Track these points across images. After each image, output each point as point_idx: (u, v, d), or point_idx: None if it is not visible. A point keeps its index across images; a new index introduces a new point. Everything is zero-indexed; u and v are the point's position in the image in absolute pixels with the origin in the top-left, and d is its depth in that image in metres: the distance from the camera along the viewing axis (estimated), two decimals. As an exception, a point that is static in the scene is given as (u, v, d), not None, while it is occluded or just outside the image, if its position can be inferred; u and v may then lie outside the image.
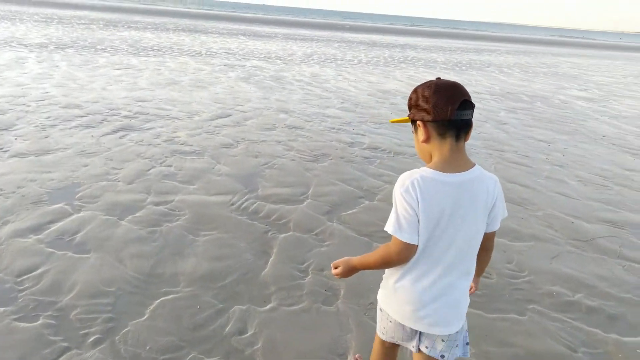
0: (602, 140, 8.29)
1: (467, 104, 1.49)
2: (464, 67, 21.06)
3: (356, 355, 2.51)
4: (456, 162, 1.52)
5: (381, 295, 1.76)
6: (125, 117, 7.31)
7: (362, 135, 7.43)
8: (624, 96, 14.79)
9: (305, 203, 4.58)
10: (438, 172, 1.51)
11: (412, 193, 1.48)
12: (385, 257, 1.57)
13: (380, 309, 1.77)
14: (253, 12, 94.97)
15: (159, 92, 9.61)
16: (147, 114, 7.65)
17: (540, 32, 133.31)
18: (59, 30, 23.59)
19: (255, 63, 16.47)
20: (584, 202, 5.17)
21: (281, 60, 18.29)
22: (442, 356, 1.68)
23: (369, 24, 78.11)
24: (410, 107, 1.59)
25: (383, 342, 1.90)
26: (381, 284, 1.77)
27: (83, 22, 31.80)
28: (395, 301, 1.66)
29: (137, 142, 6.07)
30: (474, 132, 7.80)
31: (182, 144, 6.14)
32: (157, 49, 18.36)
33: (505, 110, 10.66)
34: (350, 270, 1.73)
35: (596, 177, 6.06)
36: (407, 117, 1.63)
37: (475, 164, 1.56)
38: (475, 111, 9.94)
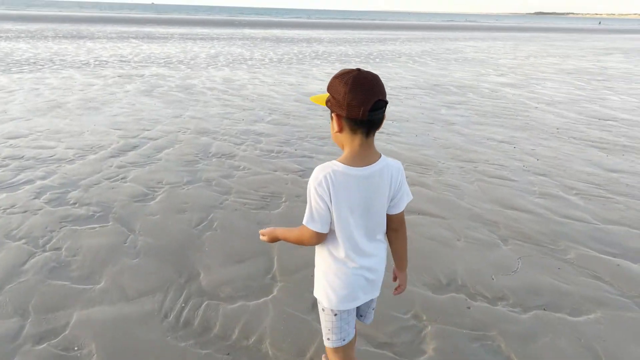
0: (559, 133, 7.68)
1: (380, 103, 1.54)
2: (377, 59, 20.42)
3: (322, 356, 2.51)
4: (365, 156, 1.65)
5: (320, 293, 1.85)
6: (-12, 166, 5.34)
7: (310, 157, 6.10)
8: (541, 79, 14.82)
9: (275, 291, 3.16)
10: (348, 166, 1.63)
11: (325, 186, 1.61)
12: (300, 238, 1.75)
13: (322, 310, 1.87)
14: (142, 13, 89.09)
15: (38, 122, 7.53)
16: (22, 157, 5.71)
17: (426, 17, 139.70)
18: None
19: (156, 71, 14.41)
20: (605, 227, 4.28)
21: (184, 64, 16.33)
22: (362, 315, 2.01)
23: (266, 19, 76.44)
24: (328, 92, 1.62)
25: (338, 350, 1.93)
26: (315, 283, 1.87)
27: (-63, 34, 26.98)
28: (332, 289, 1.79)
29: (4, 210, 4.24)
30: (434, 141, 6.80)
31: (75, 204, 4.41)
32: (34, 62, 15.57)
33: (444, 106, 9.86)
34: (273, 238, 1.89)
35: (590, 187, 5.26)
36: (325, 103, 1.65)
37: (381, 155, 1.68)
38: (417, 110, 9.07)
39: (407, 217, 3.76)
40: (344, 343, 1.90)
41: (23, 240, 3.67)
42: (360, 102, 1.52)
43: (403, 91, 11.65)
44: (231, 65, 16.71)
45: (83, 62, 15.99)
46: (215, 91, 11.02)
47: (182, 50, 21.99)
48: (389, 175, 1.69)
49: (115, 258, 3.45)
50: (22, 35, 29.10)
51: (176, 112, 8.61)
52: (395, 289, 2.02)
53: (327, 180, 1.60)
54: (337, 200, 1.63)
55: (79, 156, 5.83)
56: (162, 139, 6.71)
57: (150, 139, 6.73)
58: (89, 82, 11.84)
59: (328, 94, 1.64)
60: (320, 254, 1.82)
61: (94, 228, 3.92)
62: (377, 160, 1.67)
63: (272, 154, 6.18)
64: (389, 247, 1.93)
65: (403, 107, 9.65)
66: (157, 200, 4.57)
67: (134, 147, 6.28)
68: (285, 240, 1.85)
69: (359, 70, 1.56)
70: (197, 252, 3.58)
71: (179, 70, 14.82)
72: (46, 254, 3.48)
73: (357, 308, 1.94)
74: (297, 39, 34.50)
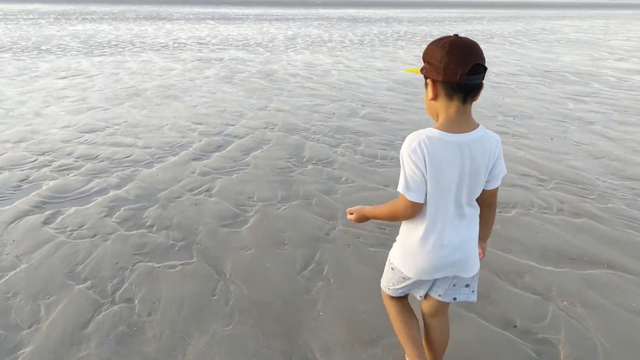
0: None
1: (478, 68, 1.47)
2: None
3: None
4: (461, 123, 1.55)
5: (396, 256, 1.80)
6: (60, 169, 4.72)
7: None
8: (672, 64, 12.56)
9: None
10: (443, 132, 1.54)
11: (419, 153, 1.52)
12: (393, 211, 1.67)
13: (393, 269, 1.82)
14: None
15: (116, 112, 6.94)
16: (96, 158, 5.05)
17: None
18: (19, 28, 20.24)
19: (235, 54, 13.71)
20: None
21: (263, 47, 15.54)
22: (455, 299, 1.80)
23: (342, -2, 74.64)
24: (424, 60, 1.57)
25: (394, 298, 1.95)
26: (395, 245, 1.83)
27: (31, 17, 28.22)
28: (414, 260, 1.71)
29: (72, 232, 3.50)
30: (577, 147, 5.42)
31: (152, 227, 3.60)
32: (115, 45, 15.42)
33: (569, 99, 8.28)
34: (362, 218, 1.82)
35: None
36: (420, 71, 1.60)
37: (479, 125, 1.59)
38: (538, 104, 7.59)
39: (589, 271, 2.99)
40: (402, 294, 1.91)
41: (89, 283, 2.88)
42: (457, 65, 1.45)
43: (511, 79, 10.10)
44: (311, 47, 15.72)
45: (162, 45, 15.65)
46: (299, 78, 10.07)
47: (259, 31, 21.30)
48: (488, 146, 1.59)
49: (202, 322, 2.56)
50: (106, 17, 29.81)
51: (260, 102, 7.74)
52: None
53: (422, 146, 1.53)
54: (432, 167, 1.54)
55: (158, 158, 5.07)
56: (248, 137, 5.84)
57: (235, 136, 5.88)
58: (168, 66, 11.31)
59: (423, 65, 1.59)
60: (407, 224, 1.73)
61: (175, 267, 3.07)
62: (476, 128, 1.58)
63: (377, 161, 5.12)
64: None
65: (518, 98, 8.20)
66: (249, 224, 3.66)
67: (218, 147, 5.45)
68: (376, 217, 1.78)
69: (456, 35, 1.51)
70: (309, 318, 2.61)
71: (257, 53, 14.05)
72: (115, 308, 2.65)
73: (433, 284, 1.81)
74: (374, 18, 32.92)
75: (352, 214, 1.85)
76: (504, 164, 1.68)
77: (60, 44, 15.17)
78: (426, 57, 1.55)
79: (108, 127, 6.20)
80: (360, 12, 41.62)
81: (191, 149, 5.37)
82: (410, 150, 1.54)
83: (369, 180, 4.59)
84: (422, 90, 1.65)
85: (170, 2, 57.32)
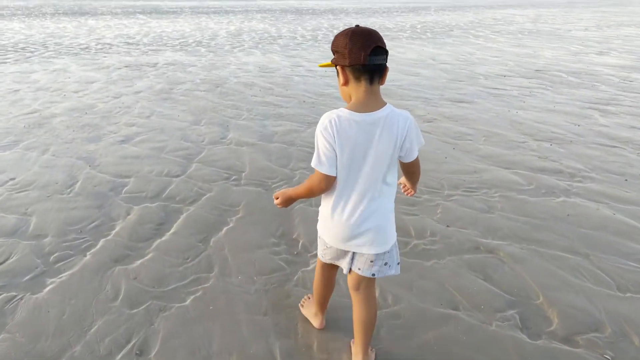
0: None
1: (379, 50, 1.64)
2: (428, 34, 17.21)
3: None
4: (370, 103, 1.70)
5: (319, 225, 1.97)
6: None
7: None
8: (656, 57, 11.65)
9: None
10: (352, 112, 1.69)
11: (330, 130, 1.68)
12: (310, 186, 1.81)
13: (319, 237, 2.00)
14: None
15: (1, 161, 4.74)
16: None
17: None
18: None
19: (171, 57, 11.47)
20: None
21: (205, 47, 13.35)
22: (373, 274, 1.93)
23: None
24: (333, 52, 1.74)
25: (323, 264, 2.14)
26: (318, 217, 1.96)
27: None
28: (327, 228, 1.89)
29: None
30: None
31: None
32: (23, 48, 12.69)
33: (590, 108, 6.90)
34: (287, 200, 1.93)
35: None
36: (331, 62, 1.76)
37: (387, 104, 1.72)
38: (562, 119, 6.11)
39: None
40: (330, 261, 2.04)
41: None
42: (360, 48, 1.62)
43: (506, 83, 8.63)
44: (260, 46, 13.69)
45: (82, 47, 13.09)
46: (256, 89, 8.10)
47: (197, 27, 18.92)
48: (396, 123, 1.70)
49: None
50: (18, 12, 26.16)
51: (213, 131, 5.75)
52: (405, 190, 2.15)
53: (332, 124, 1.68)
54: (341, 144, 1.69)
55: (52, 264, 3.04)
56: (204, 202, 3.90)
57: (182, 201, 3.91)
58: (87, 77, 8.96)
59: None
60: (325, 197, 1.87)
61: None
62: (382, 107, 1.71)
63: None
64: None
65: (533, 111, 6.69)
66: None
67: (156, 229, 3.46)
68: (298, 196, 1.90)
69: (357, 25, 1.70)
70: None
71: (199, 55, 11.87)
72: None
73: (353, 258, 1.94)
74: (319, 10, 31.09)
75: (277, 198, 1.94)
76: (420, 134, 1.78)
77: (-50, 49, 12.26)
78: (334, 47, 1.72)
79: (-16, 191, 4.03)
80: (303, 4, 39.63)
81: (105, 241, 3.35)
82: (322, 128, 1.69)
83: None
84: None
85: (94, -6, 52.66)
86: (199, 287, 2.82)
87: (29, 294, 2.74)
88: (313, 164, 1.76)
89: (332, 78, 9.08)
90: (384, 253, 1.89)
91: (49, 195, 3.96)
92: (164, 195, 4.01)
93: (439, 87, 8.25)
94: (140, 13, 26.25)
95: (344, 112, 1.70)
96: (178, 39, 15.16)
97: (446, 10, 32.01)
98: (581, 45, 13.78)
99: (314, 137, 1.77)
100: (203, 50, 12.77)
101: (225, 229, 3.47)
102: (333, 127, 1.67)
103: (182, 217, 3.64)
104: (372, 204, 1.79)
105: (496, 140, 5.47)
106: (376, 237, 1.83)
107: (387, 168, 1.77)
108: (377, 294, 2.68)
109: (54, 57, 11.32)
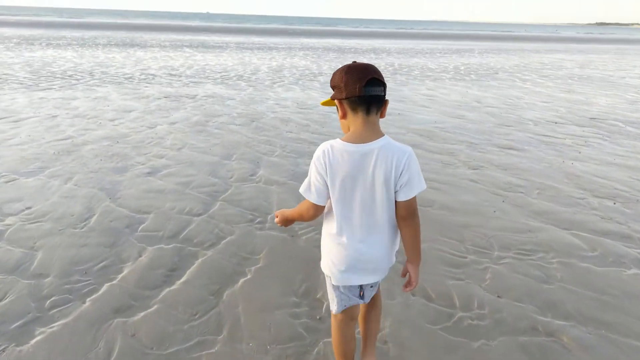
0: None
1: (375, 81, 1.67)
2: (472, 76, 16.81)
3: None
4: (365, 134, 1.69)
5: (322, 263, 1.91)
6: None
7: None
8: None
9: None
10: (346, 142, 1.69)
11: (322, 160, 1.70)
12: (300, 212, 1.85)
13: (327, 277, 1.92)
14: (198, 21, 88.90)
15: (21, 188, 4.58)
16: None
17: (478, 27, 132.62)
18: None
19: (211, 89, 11.48)
20: None
21: (245, 81, 13.37)
22: (371, 295, 1.98)
23: (320, 28, 73.82)
24: (332, 88, 1.76)
25: (340, 319, 1.99)
26: (321, 263, 1.93)
27: (-13, 40, 25.63)
28: (330, 261, 1.84)
29: None
30: None
31: None
32: (70, 75, 13.04)
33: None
34: (285, 220, 1.95)
35: None
36: (330, 99, 1.79)
37: (384, 135, 1.72)
38: (630, 176, 5.51)
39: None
40: (344, 308, 1.94)
41: None
42: (355, 81, 1.65)
43: (558, 130, 8.07)
44: (300, 82, 13.61)
45: (126, 76, 13.34)
46: (292, 125, 7.85)
47: (240, 61, 19.20)
48: (391, 156, 1.67)
49: None
50: (74, 42, 27.47)
51: (243, 168, 5.46)
52: (405, 285, 1.93)
53: (325, 154, 1.69)
54: (332, 175, 1.69)
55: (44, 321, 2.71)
56: (222, 247, 3.53)
57: (200, 244, 3.56)
58: (125, 106, 8.97)
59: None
60: (324, 229, 1.87)
61: None
62: (378, 138, 1.69)
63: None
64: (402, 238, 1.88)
65: (590, 163, 6.10)
66: None
67: (163, 281, 3.11)
68: (292, 218, 1.92)
69: (354, 61, 1.73)
70: None
71: (239, 89, 11.84)
72: None
73: (360, 286, 1.91)
74: (361, 49, 31.31)
75: (277, 217, 1.97)
76: (422, 179, 1.72)
77: (3, 74, 12.72)
78: (332, 82, 1.75)
79: (-3, 219, 3.82)
80: (345, 42, 40.17)
81: (110, 285, 3.01)
82: (315, 159, 1.72)
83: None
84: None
85: (147, 28, 55.27)
86: (203, 352, 2.42)
87: (13, 344, 2.41)
88: (301, 190, 1.78)
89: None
90: (377, 282, 1.95)
91: (61, 229, 3.70)
92: (181, 236, 3.68)
93: (485, 132, 7.78)
94: (187, 47, 27.10)
95: (337, 142, 1.71)
96: (220, 72, 15.33)
97: (490, 53, 31.64)
98: (638, 94, 13.03)
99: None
100: (243, 84, 12.77)
101: (241, 280, 3.08)
102: (326, 156, 1.69)
103: (196, 263, 3.28)
104: (370, 237, 1.78)
105: (551, 195, 4.93)
106: (377, 267, 1.84)
107: (386, 200, 1.73)
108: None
109: (97, 85, 11.52)
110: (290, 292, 2.98)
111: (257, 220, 4.03)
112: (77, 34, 38.58)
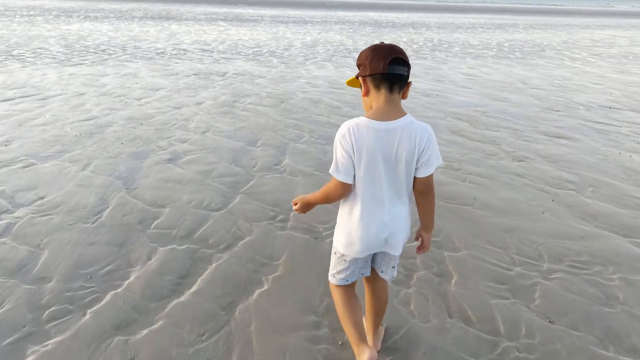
0: None
1: (399, 61, 1.68)
2: (517, 53, 15.86)
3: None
4: (389, 112, 1.71)
5: (336, 238, 1.96)
6: None
7: None
8: None
9: None
10: (371, 120, 1.70)
11: (348, 138, 1.69)
12: (327, 192, 1.83)
13: (335, 253, 2.01)
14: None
15: (37, 173, 4.40)
16: None
17: (511, 1, 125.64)
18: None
19: (242, 66, 11.15)
20: None
21: (277, 57, 12.97)
22: (393, 276, 2.06)
23: (350, 0, 71.92)
24: (357, 66, 1.79)
25: (343, 289, 2.05)
26: (335, 230, 1.97)
27: (31, 13, 26.06)
28: (350, 238, 1.86)
29: None
30: None
31: None
32: (103, 50, 12.96)
33: None
34: (306, 206, 1.96)
35: None
36: (355, 77, 1.82)
37: (407, 114, 1.73)
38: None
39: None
40: (347, 283, 2.03)
41: None
42: (380, 58, 1.67)
43: (612, 116, 7.37)
44: (334, 59, 13.10)
45: (158, 51, 13.16)
46: (322, 107, 7.45)
47: (274, 36, 18.74)
48: (414, 134, 1.70)
49: None
50: (111, 15, 27.59)
51: (267, 154, 5.14)
52: (418, 248, 2.04)
53: (350, 132, 1.69)
54: (359, 152, 1.70)
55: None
56: (241, 251, 3.25)
57: (215, 247, 3.28)
58: (154, 83, 8.76)
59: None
60: (343, 205, 1.88)
61: None
62: (402, 117, 1.72)
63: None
64: (416, 209, 1.95)
65: (652, 157, 5.48)
66: None
67: (168, 295, 2.83)
68: (315, 201, 1.91)
69: (381, 42, 1.75)
70: None
71: (270, 65, 11.46)
72: None
73: (373, 260, 2.03)
74: (399, 23, 30.25)
75: (296, 204, 1.96)
76: (439, 154, 1.77)
77: (38, 49, 12.75)
78: (358, 61, 1.76)
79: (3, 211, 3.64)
80: (382, 16, 38.95)
81: (114, 294, 2.76)
82: (341, 136, 1.71)
83: None
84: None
85: (183, 0, 55.18)
86: (208, 384, 2.13)
87: (3, 364, 2.19)
88: (331, 170, 1.77)
89: (407, 101, 8.25)
90: (397, 256, 1.99)
91: (72, 224, 3.48)
92: (196, 235, 3.40)
93: (530, 117, 7.17)
94: (222, 20, 26.77)
95: (362, 120, 1.71)
96: (252, 47, 14.95)
97: (536, 28, 30.00)
98: (701, 75, 11.93)
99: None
100: (275, 60, 12.38)
101: (257, 292, 2.78)
102: (352, 134, 1.68)
103: (210, 268, 2.99)
104: (393, 210, 1.82)
105: (607, 193, 4.40)
106: (398, 241, 1.89)
107: (406, 176, 1.77)
108: None
109: (128, 61, 11.37)
110: (310, 308, 2.65)
111: (278, 218, 3.71)
112: (115, 5, 38.85)
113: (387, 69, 1.66)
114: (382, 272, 2.04)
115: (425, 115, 7.11)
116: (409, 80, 1.75)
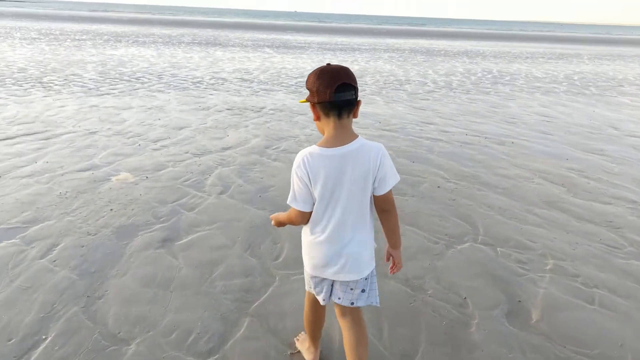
0: None
1: (346, 86, 1.69)
2: (592, 89, 13.98)
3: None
4: (340, 137, 1.74)
5: (304, 260, 1.98)
6: None
7: None
8: None
9: None
10: (323, 147, 1.74)
11: (303, 168, 1.74)
12: (289, 218, 1.90)
13: (305, 272, 2.03)
14: (284, 19, 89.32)
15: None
16: None
17: (570, 28, 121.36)
18: (33, 50, 17.77)
19: (281, 100, 9.95)
20: None
21: (322, 90, 11.66)
22: (352, 303, 1.95)
23: (406, 28, 70.94)
24: (307, 89, 1.76)
25: (311, 296, 2.12)
26: (302, 252, 1.98)
27: (83, 37, 26.31)
28: (308, 256, 1.92)
29: None
30: None
31: None
32: (137, 78, 12.16)
33: None
34: (278, 223, 1.99)
35: None
36: (305, 99, 1.80)
37: (358, 136, 1.77)
38: None
39: None
40: (318, 297, 2.02)
41: None
42: (326, 86, 1.68)
43: None
44: (384, 92, 11.74)
45: (195, 80, 12.24)
46: (373, 157, 6.00)
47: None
48: (367, 155, 1.74)
49: None
50: (159, 40, 27.52)
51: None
52: (391, 267, 2.04)
53: (305, 162, 1.73)
54: (315, 180, 1.74)
55: None
56: None
57: None
58: (179, 120, 7.65)
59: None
60: (306, 232, 1.90)
61: None
62: (353, 140, 1.75)
63: None
64: (382, 230, 1.96)
65: None
66: None
67: None
68: (285, 223, 1.95)
69: (328, 64, 1.73)
70: None
71: (313, 100, 10.17)
72: None
73: (333, 288, 1.96)
74: (451, 51, 28.71)
75: (272, 219, 2.00)
76: (395, 171, 1.80)
77: (71, 75, 12.09)
78: (306, 85, 1.75)
79: None
80: (434, 44, 37.51)
81: None
82: (296, 167, 1.76)
83: None
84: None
85: (234, 26, 55.84)
86: None
87: None
88: (288, 201, 1.81)
89: (477, 150, 6.71)
90: (361, 280, 1.91)
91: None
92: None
93: (645, 181, 5.48)
94: (268, 47, 26.13)
95: (315, 148, 1.74)
96: (295, 77, 13.84)
97: (602, 59, 27.68)
98: None
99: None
100: (318, 93, 11.12)
101: None
102: (306, 164, 1.73)
103: None
104: (350, 234, 1.82)
105: None
106: (353, 265, 1.86)
107: (363, 198, 1.79)
108: None
109: (160, 91, 10.43)
110: None
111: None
112: (166, 31, 39.33)
113: (333, 97, 1.67)
114: (339, 298, 1.95)
115: (507, 175, 5.55)
116: (358, 99, 1.75)
